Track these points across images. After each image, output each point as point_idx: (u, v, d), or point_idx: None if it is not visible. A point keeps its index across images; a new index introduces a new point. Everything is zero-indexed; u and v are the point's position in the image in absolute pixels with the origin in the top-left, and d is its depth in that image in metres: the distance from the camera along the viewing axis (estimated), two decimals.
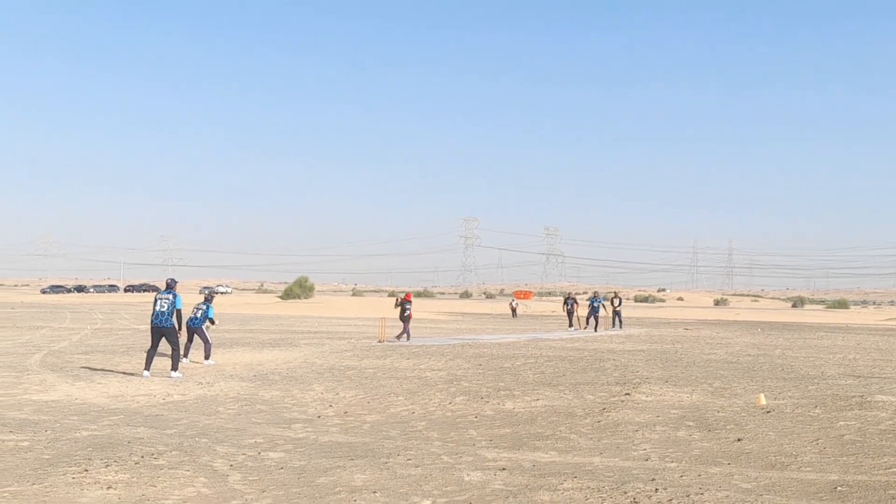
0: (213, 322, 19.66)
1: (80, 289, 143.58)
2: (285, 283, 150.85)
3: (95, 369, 17.21)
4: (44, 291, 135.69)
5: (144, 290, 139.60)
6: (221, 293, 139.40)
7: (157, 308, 16.23)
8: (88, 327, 34.88)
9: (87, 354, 20.92)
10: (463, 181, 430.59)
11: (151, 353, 16.45)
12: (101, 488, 7.09)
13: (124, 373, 16.68)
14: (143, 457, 8.38)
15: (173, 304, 16.15)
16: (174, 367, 16.25)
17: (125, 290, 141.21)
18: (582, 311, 39.40)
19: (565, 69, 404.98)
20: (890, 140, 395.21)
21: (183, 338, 16.90)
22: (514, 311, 65.64)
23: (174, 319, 16.12)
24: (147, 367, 16.26)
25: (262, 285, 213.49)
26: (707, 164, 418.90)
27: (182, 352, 18.05)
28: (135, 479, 7.42)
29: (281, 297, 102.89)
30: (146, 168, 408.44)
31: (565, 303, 40.77)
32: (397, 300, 29.08)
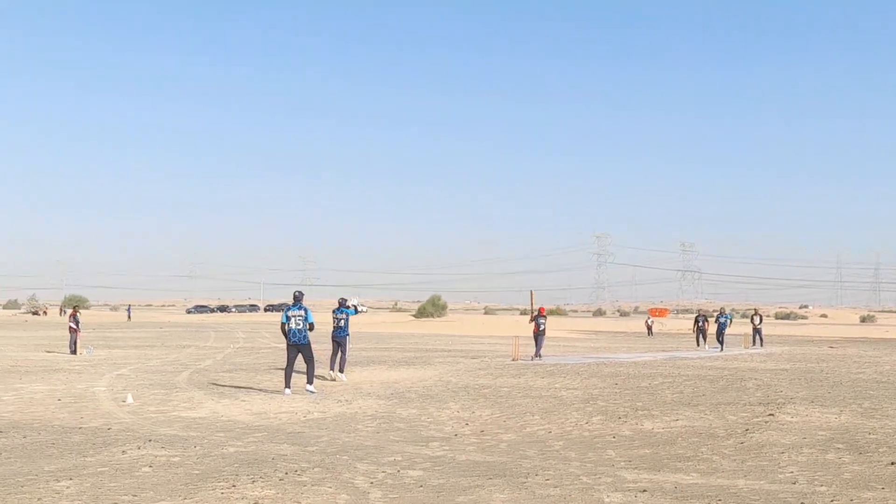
0: (312, 327, 18.59)
1: (223, 308, 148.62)
2: (419, 301, 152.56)
3: (239, 387, 17.77)
4: (189, 311, 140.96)
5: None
6: (360, 311, 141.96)
7: (293, 326, 16.73)
8: (231, 346, 36.04)
9: (230, 373, 21.61)
10: (595, 197, 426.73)
11: (289, 370, 16.93)
12: (249, 503, 7.30)
13: (266, 391, 17.16)
14: (287, 473, 8.59)
15: (305, 319, 16.67)
16: (310, 381, 16.72)
17: (265, 310, 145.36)
18: (711, 328, 38.22)
19: (688, 84, 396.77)
20: None
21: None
22: (650, 329, 64.66)
23: (308, 334, 16.72)
24: (287, 385, 16.72)
25: (396, 304, 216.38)
26: (850, 174, 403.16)
27: (330, 366, 18.51)
28: (280, 495, 7.61)
29: (415, 316, 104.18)
30: (283, 188, 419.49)
31: (695, 321, 39.66)
32: (531, 315, 28.90)
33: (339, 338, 19.89)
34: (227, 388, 17.44)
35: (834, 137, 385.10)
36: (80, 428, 11.79)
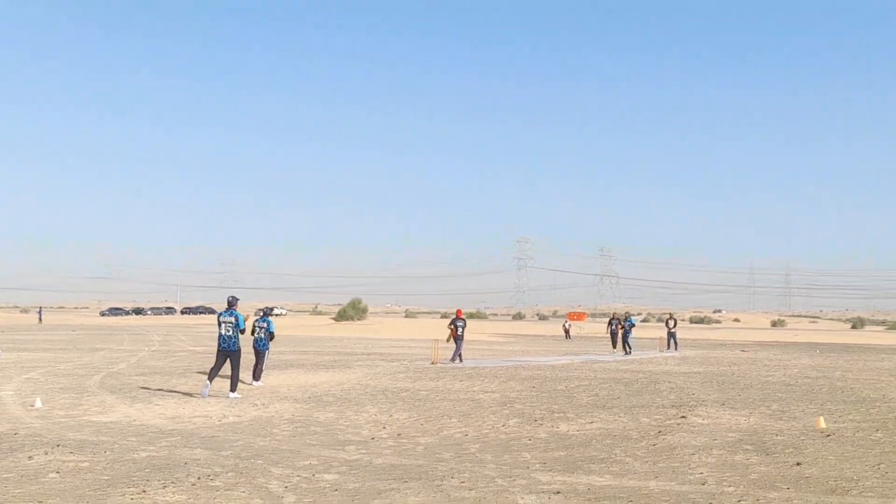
0: (273, 337, 19.55)
1: (138, 311, 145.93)
2: (339, 304, 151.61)
3: (153, 391, 17.44)
4: (103, 314, 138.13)
5: (201, 312, 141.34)
6: (276, 315, 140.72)
7: (222, 332, 16.53)
8: (146, 349, 35.42)
9: (144, 376, 21.21)
10: (516, 202, 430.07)
11: (213, 373, 16.76)
12: None
13: (182, 393, 16.89)
14: (199, 478, 8.46)
15: (236, 326, 16.52)
16: (233, 388, 16.52)
17: (182, 312, 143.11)
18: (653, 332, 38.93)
19: (619, 87, 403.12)
20: None
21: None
22: (567, 332, 65.39)
23: (239, 341, 16.61)
24: (207, 386, 16.56)
25: (316, 307, 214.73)
26: (764, 183, 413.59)
27: (252, 373, 18.34)
28: (191, 500, 7.50)
29: (335, 319, 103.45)
30: (204, 192, 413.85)
31: (609, 324, 40.03)
32: (451, 320, 28.79)
33: (260, 349, 19.66)
34: (140, 392, 17.11)
35: (746, 149, 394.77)
36: None
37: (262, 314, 19.65)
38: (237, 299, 17.31)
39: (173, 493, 7.77)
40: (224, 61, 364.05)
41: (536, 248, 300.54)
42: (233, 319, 16.66)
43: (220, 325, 16.70)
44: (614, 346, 38.67)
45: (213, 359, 17.06)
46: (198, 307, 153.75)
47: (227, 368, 16.83)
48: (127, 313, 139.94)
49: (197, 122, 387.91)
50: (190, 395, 16.70)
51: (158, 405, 15.02)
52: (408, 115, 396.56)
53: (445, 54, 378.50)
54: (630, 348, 36.03)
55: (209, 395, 16.20)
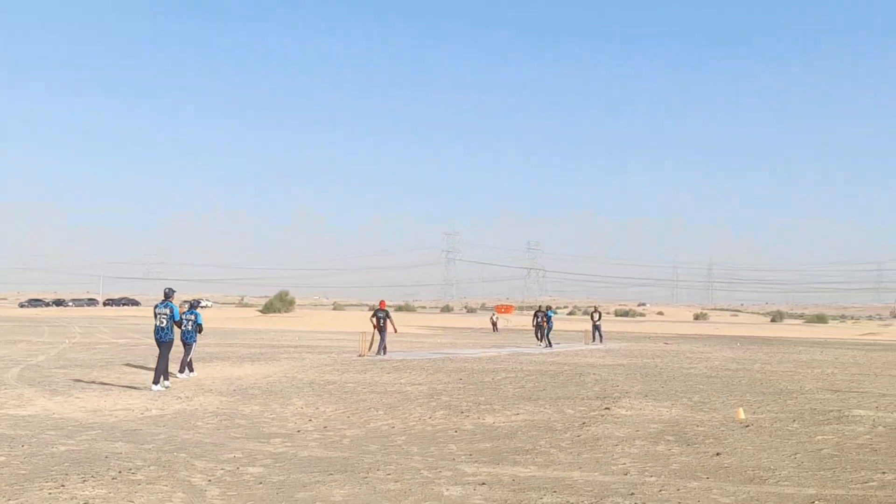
0: (201, 329, 19.26)
1: (59, 303, 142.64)
2: (266, 297, 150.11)
3: (74, 383, 17.09)
4: (22, 305, 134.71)
5: (124, 304, 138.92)
6: (203, 307, 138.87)
7: (157, 323, 16.65)
8: (66, 341, 34.67)
9: (64, 369, 20.77)
10: (446, 195, 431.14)
11: (161, 365, 16.73)
12: (79, 503, 7.04)
13: (103, 384, 16.59)
14: (120, 472, 8.32)
15: (171, 318, 16.59)
16: (155, 381, 16.39)
17: (104, 304, 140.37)
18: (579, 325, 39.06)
19: (548, 85, 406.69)
20: (869, 156, 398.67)
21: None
22: (494, 325, 65.68)
23: (173, 333, 16.74)
24: (156, 381, 16.50)
25: (242, 299, 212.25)
26: (688, 178, 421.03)
27: (179, 366, 18.15)
28: (112, 495, 7.37)
29: (261, 311, 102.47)
30: (127, 181, 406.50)
31: (535, 316, 39.90)
32: (373, 311, 28.60)
33: (188, 342, 19.40)
34: (60, 385, 16.74)
35: (671, 147, 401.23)
36: None
37: (189, 306, 19.30)
38: (174, 291, 17.37)
39: (93, 487, 7.62)
40: (151, 34, 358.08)
41: (465, 242, 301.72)
42: (168, 311, 16.70)
43: (155, 316, 16.77)
44: (539, 339, 38.69)
45: (139, 351, 16.81)
46: (121, 299, 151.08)
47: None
48: (47, 305, 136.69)
49: (119, 106, 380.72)
50: (112, 387, 16.41)
51: (79, 398, 14.72)
52: (329, 95, 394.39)
53: (382, 49, 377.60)
54: (549, 342, 36.24)
55: (130, 389, 16.00)
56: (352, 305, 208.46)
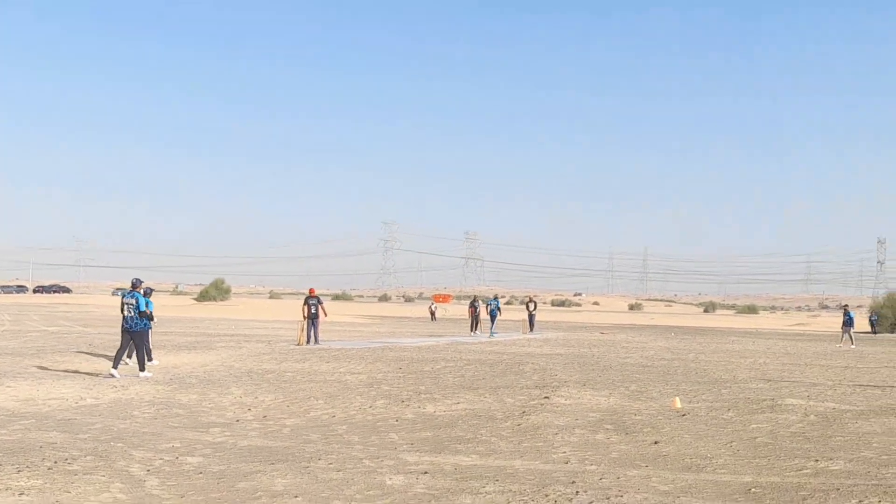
0: (151, 317, 17.52)
1: None
2: (201, 285, 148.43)
3: (4, 372, 16.71)
4: None
5: (55, 291, 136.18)
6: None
7: (125, 313, 16.70)
8: None
9: None
10: (384, 184, 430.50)
11: (120, 353, 16.95)
12: (13, 495, 6.88)
13: (37, 372, 16.25)
14: (56, 462, 8.16)
15: (137, 306, 16.65)
16: (141, 368, 16.60)
17: (34, 291, 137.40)
18: (484, 314, 39.11)
19: (486, 71, 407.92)
20: (797, 147, 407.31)
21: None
22: (433, 314, 65.98)
23: (142, 322, 16.72)
24: (115, 366, 16.57)
25: (176, 287, 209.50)
26: (624, 169, 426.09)
27: (125, 353, 17.82)
28: (48, 485, 7.22)
29: (196, 300, 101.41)
30: (58, 165, 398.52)
31: (471, 306, 39.98)
32: (305, 299, 28.28)
33: (132, 330, 19.08)
34: None
35: (608, 138, 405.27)
36: None
37: (130, 290, 17.65)
38: (141, 281, 17.32)
39: (28, 477, 7.46)
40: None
41: (402, 231, 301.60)
42: (134, 301, 16.68)
43: (123, 306, 16.83)
44: (472, 330, 38.59)
45: (70, 339, 16.54)
46: (52, 286, 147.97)
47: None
48: None
49: (50, 77, 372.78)
50: (42, 376, 16.09)
51: (10, 387, 14.39)
52: (273, 75, 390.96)
53: (332, 33, 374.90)
54: (533, 328, 37.75)
55: (63, 379, 15.77)
56: (288, 294, 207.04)
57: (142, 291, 16.98)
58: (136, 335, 16.72)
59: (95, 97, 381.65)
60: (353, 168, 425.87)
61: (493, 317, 37.32)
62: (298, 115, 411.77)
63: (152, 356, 18.67)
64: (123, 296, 17.06)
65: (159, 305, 23.01)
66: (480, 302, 39.86)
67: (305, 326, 27.26)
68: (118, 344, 17.74)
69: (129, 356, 18.88)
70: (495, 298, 39.42)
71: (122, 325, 16.88)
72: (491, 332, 36.46)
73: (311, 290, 28.32)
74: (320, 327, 28.04)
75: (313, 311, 27.21)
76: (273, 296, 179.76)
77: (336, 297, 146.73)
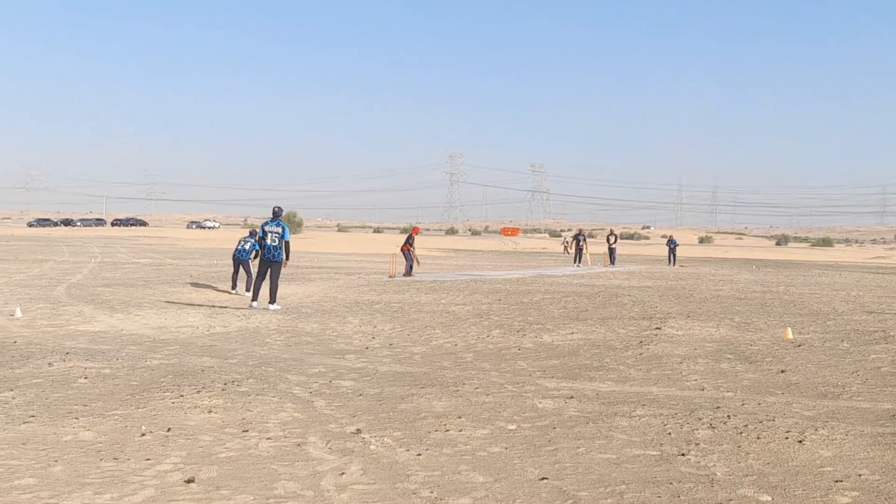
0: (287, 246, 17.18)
1: (67, 222, 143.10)
2: (267, 218, 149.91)
3: (127, 301, 17.49)
4: (30, 224, 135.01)
5: (132, 225, 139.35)
6: (209, 227, 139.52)
7: (269, 242, 16.64)
8: (93, 261, 35.05)
9: (108, 287, 21.18)
10: (449, 117, 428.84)
11: (259, 282, 16.95)
12: (203, 412, 7.42)
13: (155, 302, 16.97)
14: (226, 384, 8.70)
15: (282, 236, 16.64)
16: (272, 300, 16.65)
17: (112, 224, 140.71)
18: (592, 248, 40.76)
19: (553, 9, 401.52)
20: (870, 84, 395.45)
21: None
22: (566, 248, 67.70)
23: (284, 252, 16.68)
24: (255, 298, 16.85)
25: (246, 220, 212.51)
26: (692, 103, 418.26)
27: (232, 284, 18.39)
28: (229, 405, 7.75)
29: None
30: (128, 102, 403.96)
31: (575, 239, 41.08)
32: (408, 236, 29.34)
33: (241, 259, 19.78)
34: (115, 303, 17.14)
35: (671, 69, 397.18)
36: None
37: (273, 218, 17.28)
38: (283, 210, 17.34)
39: (209, 397, 8.01)
40: None
41: (468, 164, 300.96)
42: (279, 230, 16.70)
43: (265, 234, 16.72)
44: (575, 262, 39.83)
45: (167, 271, 17.11)
46: (128, 219, 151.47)
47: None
48: (55, 224, 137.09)
49: (112, 28, 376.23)
50: (166, 306, 16.82)
51: (139, 315, 15.12)
52: (326, 10, 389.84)
53: None
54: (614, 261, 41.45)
55: (255, 307, 16.67)
56: (355, 228, 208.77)
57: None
58: (274, 265, 16.69)
59: (165, 37, 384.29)
60: (419, 100, 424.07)
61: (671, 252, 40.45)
62: (364, 48, 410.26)
63: (250, 286, 19.20)
64: (265, 224, 16.97)
65: (234, 238, 23.65)
66: (584, 237, 40.96)
67: (416, 259, 28.21)
68: (226, 273, 18.23)
69: (235, 288, 19.65)
70: (671, 239, 41.93)
71: (262, 256, 16.81)
72: (577, 265, 37.90)
73: (415, 229, 29.31)
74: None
75: (412, 246, 28.11)
76: (341, 229, 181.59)
77: (403, 231, 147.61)
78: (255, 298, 16.87)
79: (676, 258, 45.82)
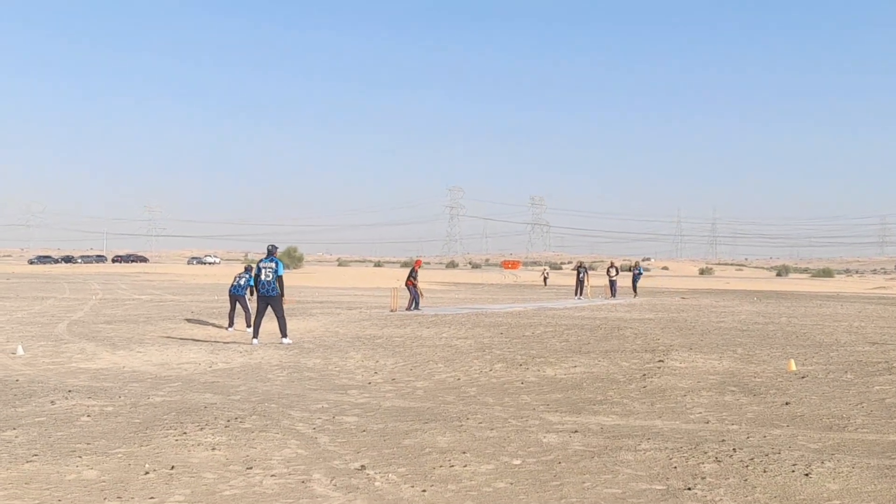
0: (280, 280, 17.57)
1: (68, 259, 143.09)
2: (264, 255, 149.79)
3: (129, 338, 17.48)
4: (31, 262, 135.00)
5: (132, 261, 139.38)
6: (210, 263, 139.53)
7: (263, 278, 16.95)
8: (93, 298, 35.05)
9: (110, 324, 21.17)
10: (449, 151, 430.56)
11: (259, 319, 17.22)
12: (207, 449, 7.40)
13: (157, 339, 16.95)
14: (228, 421, 8.68)
15: (276, 271, 16.97)
16: (284, 334, 16.95)
17: (113, 261, 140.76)
18: (594, 280, 41.25)
19: (549, 43, 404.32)
20: (869, 113, 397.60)
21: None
22: (545, 280, 68.12)
23: (279, 287, 16.96)
24: (256, 335, 17.08)
25: (247, 255, 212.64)
26: (691, 134, 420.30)
27: (228, 321, 18.42)
28: (233, 441, 7.73)
29: None
30: (129, 137, 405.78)
31: (576, 271, 41.38)
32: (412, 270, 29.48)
33: (237, 295, 19.91)
34: (116, 340, 17.14)
35: (671, 102, 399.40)
36: None
37: (267, 255, 17.68)
38: (276, 247, 17.71)
39: (212, 434, 7.99)
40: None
41: (468, 198, 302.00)
42: (273, 265, 17.07)
43: (260, 270, 17.08)
44: (576, 294, 40.09)
45: (168, 307, 17.17)
46: (129, 255, 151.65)
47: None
48: (56, 261, 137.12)
49: (111, 64, 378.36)
50: (161, 343, 16.80)
51: (140, 352, 15.11)
52: (330, 41, 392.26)
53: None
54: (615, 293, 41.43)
55: (255, 344, 16.71)
56: (356, 262, 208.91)
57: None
58: (272, 300, 16.96)
59: (167, 71, 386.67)
60: (419, 134, 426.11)
61: (634, 281, 40.17)
62: (363, 81, 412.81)
63: (251, 322, 19.25)
64: (260, 261, 17.39)
65: (234, 274, 23.70)
66: (585, 269, 41.25)
67: (420, 293, 28.42)
68: (224, 310, 18.31)
69: (231, 325, 19.66)
70: (637, 265, 41.44)
71: (259, 292, 17.06)
72: (578, 297, 38.22)
73: (417, 262, 29.40)
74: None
75: (415, 280, 28.26)
76: (342, 263, 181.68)
77: (404, 265, 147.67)
78: (255, 335, 16.98)
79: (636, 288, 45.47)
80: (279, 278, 17.06)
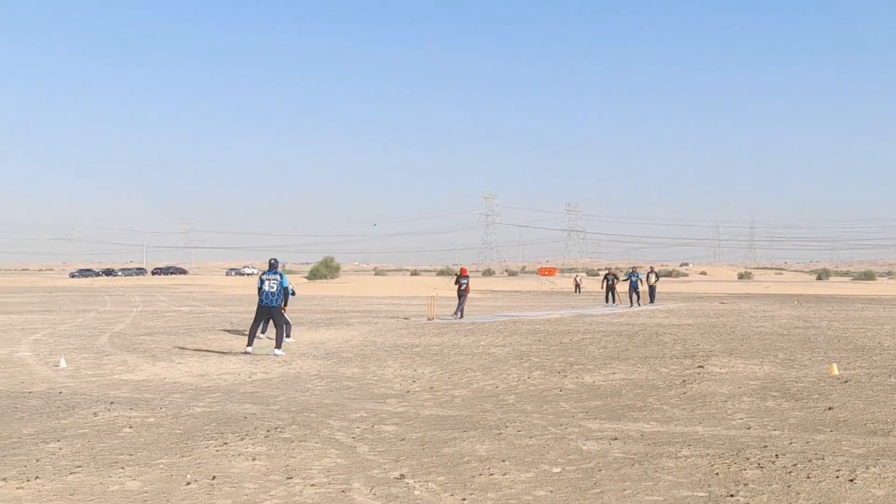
0: (293, 293, 19.65)
1: (109, 272, 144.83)
2: (307, 263, 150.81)
3: (169, 350, 17.63)
4: (73, 275, 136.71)
5: (172, 273, 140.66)
6: (248, 274, 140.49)
7: (266, 288, 17.15)
8: (134, 310, 35.40)
9: (151, 336, 21.35)
10: (483, 159, 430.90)
11: (254, 329, 17.48)
12: (247, 459, 7.45)
13: (196, 350, 17.08)
14: (269, 431, 8.73)
15: (280, 283, 17.14)
16: (278, 346, 16.98)
17: (153, 273, 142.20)
18: (621, 287, 41.08)
19: (585, 48, 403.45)
20: None
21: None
22: (578, 286, 67.91)
23: (281, 298, 17.22)
24: (250, 344, 17.21)
25: (284, 266, 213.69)
26: (728, 137, 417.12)
27: (261, 330, 18.58)
28: (273, 451, 7.77)
29: (307, 278, 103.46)
30: (166, 151, 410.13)
31: (605, 279, 41.38)
32: (456, 277, 29.77)
33: (271, 306, 20.04)
34: (157, 351, 17.28)
35: (705, 107, 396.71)
36: (30, 392, 11.61)
37: (270, 269, 18.03)
38: (278, 261, 17.93)
39: (252, 444, 8.03)
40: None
41: (503, 205, 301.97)
42: (277, 277, 17.29)
43: (263, 282, 17.28)
44: (606, 301, 40.16)
45: (207, 318, 17.34)
46: (168, 268, 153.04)
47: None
48: (97, 274, 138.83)
49: (148, 80, 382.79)
50: (205, 353, 16.94)
51: (181, 364, 15.22)
52: (364, 53, 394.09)
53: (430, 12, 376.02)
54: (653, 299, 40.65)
55: (248, 353, 16.87)
56: (392, 270, 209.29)
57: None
58: (275, 312, 17.17)
59: (195, 87, 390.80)
60: (453, 142, 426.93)
61: (633, 288, 38.69)
62: (399, 91, 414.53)
63: (290, 333, 19.40)
64: (263, 274, 17.57)
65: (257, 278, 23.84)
66: (615, 276, 41.15)
67: (465, 300, 28.97)
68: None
69: (264, 331, 19.73)
70: (633, 272, 40.22)
71: (260, 303, 17.30)
72: (613, 304, 38.15)
73: (462, 270, 30.24)
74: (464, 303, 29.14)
75: (462, 288, 28.94)
76: (378, 272, 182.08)
77: (440, 273, 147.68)
78: (250, 344, 17.23)
79: (639, 295, 39.21)
80: (285, 289, 17.43)
